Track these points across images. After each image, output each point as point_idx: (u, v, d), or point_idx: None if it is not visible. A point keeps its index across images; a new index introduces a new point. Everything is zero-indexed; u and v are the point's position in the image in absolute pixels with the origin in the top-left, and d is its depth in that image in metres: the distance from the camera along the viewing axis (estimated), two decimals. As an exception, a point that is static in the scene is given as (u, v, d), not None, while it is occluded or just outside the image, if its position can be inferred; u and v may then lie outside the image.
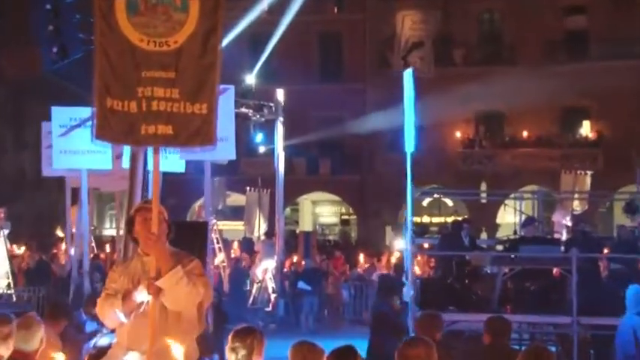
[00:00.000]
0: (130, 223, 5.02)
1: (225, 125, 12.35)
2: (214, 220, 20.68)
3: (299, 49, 32.47)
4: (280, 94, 22.31)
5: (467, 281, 11.85)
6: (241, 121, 20.48)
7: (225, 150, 11.92)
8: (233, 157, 12.83)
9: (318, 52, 34.46)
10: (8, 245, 17.71)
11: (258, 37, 28.85)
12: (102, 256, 20.40)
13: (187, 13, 4.86)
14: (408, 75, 11.86)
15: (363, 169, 33.34)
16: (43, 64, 12.80)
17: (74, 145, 13.41)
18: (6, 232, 17.23)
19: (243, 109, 20.74)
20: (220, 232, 22.40)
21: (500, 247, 13.57)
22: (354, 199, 34.35)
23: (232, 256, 22.18)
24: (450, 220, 21.26)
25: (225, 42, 5.21)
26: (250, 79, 23.42)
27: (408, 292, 10.94)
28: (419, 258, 17.34)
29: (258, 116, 21.73)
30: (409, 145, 11.59)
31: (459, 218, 15.69)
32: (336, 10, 34.97)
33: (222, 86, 13.44)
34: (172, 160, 11.90)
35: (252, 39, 29.69)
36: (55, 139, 13.72)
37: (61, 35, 12.65)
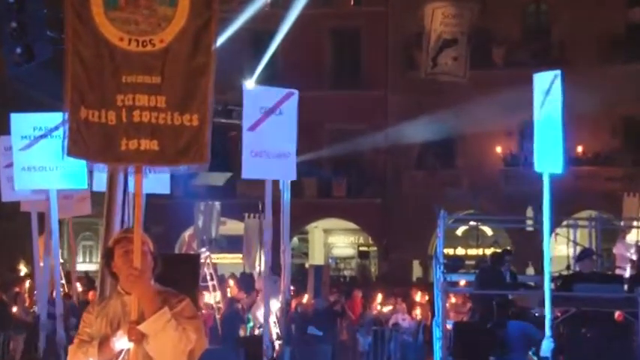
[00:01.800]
0: (108, 256, 5.01)
1: (287, 138, 12.58)
2: (207, 253, 20.72)
3: (308, 49, 32.64)
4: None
5: (510, 326, 11.81)
6: (239, 133, 20.54)
7: (284, 168, 12.09)
8: (293, 177, 13.04)
9: (332, 53, 34.62)
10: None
11: (259, 34, 29.04)
12: (72, 295, 20.42)
13: (175, 7, 4.88)
14: (542, 78, 11.70)
15: (385, 191, 33.36)
16: (6, 67, 12.76)
17: (40, 161, 13.16)
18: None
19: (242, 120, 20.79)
20: (215, 266, 22.40)
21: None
22: (375, 228, 34.34)
23: (229, 294, 22.16)
24: (489, 252, 21.20)
25: (220, 41, 5.24)
26: (250, 84, 23.48)
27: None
28: (452, 298, 17.27)
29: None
30: (553, 163, 11.30)
31: (500, 250, 15.66)
32: (352, 2, 35.16)
33: (285, 90, 13.59)
34: (155, 180, 11.80)
35: (252, 37, 29.90)
36: (16, 154, 13.43)
37: (26, 33, 12.65)
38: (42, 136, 13.18)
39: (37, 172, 13.31)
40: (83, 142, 4.88)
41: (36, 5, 12.48)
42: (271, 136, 12.77)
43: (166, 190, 13.42)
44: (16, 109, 15.17)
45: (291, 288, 21.71)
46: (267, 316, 15.09)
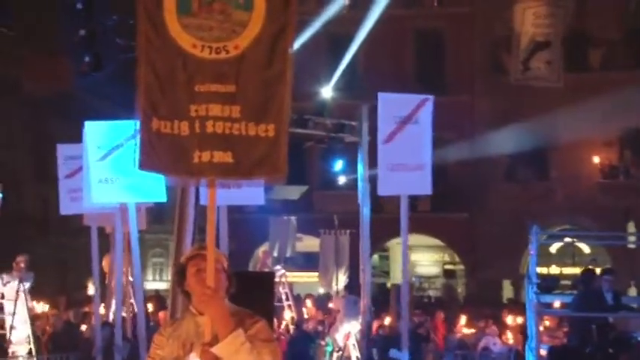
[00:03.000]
0: (180, 274, 5.01)
1: (424, 149, 12.55)
2: (282, 271, 20.82)
3: (389, 54, 32.64)
4: (365, 111, 22.37)
5: (611, 351, 11.61)
6: (315, 144, 20.64)
7: (421, 181, 12.01)
8: (428, 190, 12.94)
9: (414, 57, 34.54)
10: (30, 303, 18.11)
11: (337, 38, 29.12)
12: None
13: (251, 12, 4.88)
14: None
15: (472, 206, 33.08)
16: (73, 77, 12.96)
17: (116, 172, 12.91)
18: (27, 285, 17.58)
19: (318, 130, 20.88)
20: (290, 285, 22.52)
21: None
22: (461, 244, 34.12)
23: (305, 316, 22.23)
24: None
25: (296, 46, 5.25)
26: (327, 91, 23.58)
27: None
28: (546, 321, 17.03)
29: (337, 139, 21.82)
30: None
31: (599, 269, 15.39)
32: (435, 2, 35.06)
33: (420, 97, 13.59)
34: (249, 191, 11.51)
35: (329, 41, 29.99)
36: (93, 165, 13.21)
37: (95, 42, 12.84)
38: (118, 146, 12.95)
39: (114, 184, 13.05)
40: (155, 155, 4.92)
41: (105, 12, 12.66)
42: (408, 148, 12.59)
43: (260, 201, 13.15)
44: (80, 118, 15.25)
45: (372, 309, 21.68)
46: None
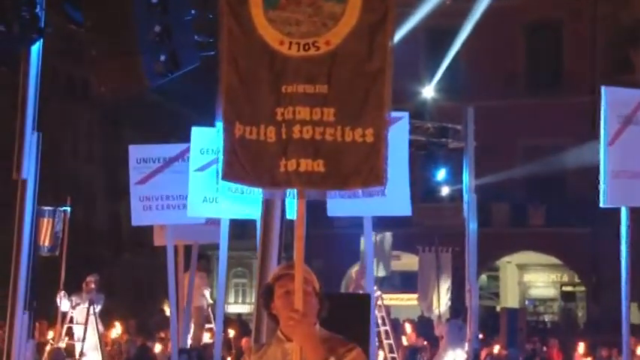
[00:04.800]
0: (267, 295, 5.00)
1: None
2: (379, 292, 20.74)
3: (497, 50, 32.37)
4: (471, 114, 22.25)
5: None
6: (415, 151, 20.58)
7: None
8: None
9: (526, 53, 34.22)
10: (101, 327, 18.27)
11: (438, 33, 29.04)
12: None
13: (345, 3, 4.86)
14: None
15: (594, 219, 32.54)
16: (147, 78, 13.00)
17: (211, 184, 12.34)
18: (98, 308, 17.79)
19: (418, 135, 20.84)
20: (387, 308, 22.46)
21: None
22: (582, 263, 33.67)
23: (405, 342, 22.15)
24: None
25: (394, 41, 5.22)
26: (428, 91, 23.57)
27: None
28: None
29: (439, 144, 21.75)
30: None
31: None
32: (551, -10, 34.74)
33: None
34: (393, 200, 11.06)
35: (430, 36, 29.91)
36: (193, 176, 13.14)
37: (171, 39, 12.89)
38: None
39: (213, 197, 12.81)
40: (239, 164, 4.94)
41: (182, 6, 12.72)
42: (630, 152, 12.09)
43: (407, 212, 12.76)
44: (158, 127, 15.39)
45: (480, 335, 21.52)
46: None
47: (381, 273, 23.62)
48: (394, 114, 11.72)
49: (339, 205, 11.85)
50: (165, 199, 14.30)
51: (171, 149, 14.64)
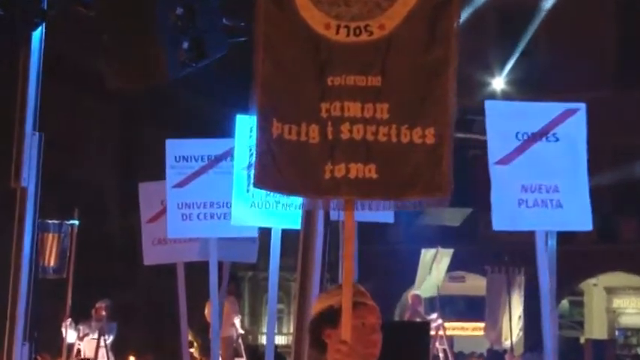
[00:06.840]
0: (329, 319, 4.90)
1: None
2: (439, 320, 20.67)
3: (582, 35, 32.24)
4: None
5: None
6: (482, 153, 20.46)
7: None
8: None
9: (617, 39, 34.06)
10: (113, 360, 18.33)
11: (510, 15, 28.99)
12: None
13: (402, -20, 4.85)
14: None
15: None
16: (168, 68, 12.95)
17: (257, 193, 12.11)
18: (110, 339, 17.83)
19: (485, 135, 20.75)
20: (450, 339, 22.38)
21: None
22: (683, 286, 33.57)
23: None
24: None
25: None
26: (498, 83, 23.48)
27: None
28: None
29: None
30: None
31: None
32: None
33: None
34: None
35: (500, 19, 29.86)
36: (238, 175, 12.19)
37: (195, 23, 12.89)
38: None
39: (257, 208, 12.11)
40: (275, 168, 4.92)
41: (208, -16, 12.73)
42: None
43: (587, 227, 12.21)
44: (180, 125, 15.20)
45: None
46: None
47: (429, 293, 23.17)
48: (566, 105, 11.67)
49: (506, 217, 10.93)
50: (209, 206, 13.71)
51: (218, 145, 13.92)
